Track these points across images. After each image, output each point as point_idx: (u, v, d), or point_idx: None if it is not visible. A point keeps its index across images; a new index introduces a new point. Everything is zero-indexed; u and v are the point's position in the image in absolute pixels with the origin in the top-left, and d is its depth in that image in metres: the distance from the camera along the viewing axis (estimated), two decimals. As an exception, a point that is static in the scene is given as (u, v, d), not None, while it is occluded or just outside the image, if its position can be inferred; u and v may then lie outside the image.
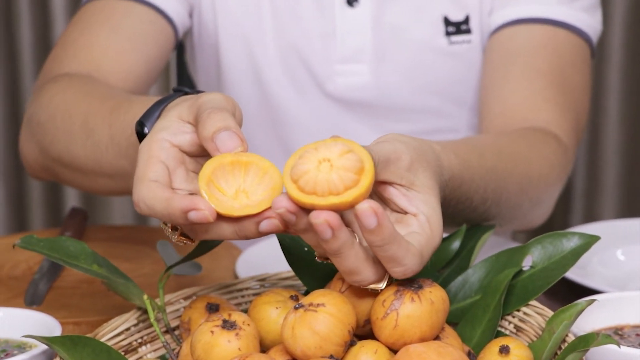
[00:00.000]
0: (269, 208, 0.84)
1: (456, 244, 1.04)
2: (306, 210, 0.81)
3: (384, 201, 0.92)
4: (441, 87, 1.51)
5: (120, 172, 1.23)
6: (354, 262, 0.84)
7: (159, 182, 0.89)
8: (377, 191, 0.91)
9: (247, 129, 1.43)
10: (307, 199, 0.81)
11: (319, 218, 0.80)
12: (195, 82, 1.67)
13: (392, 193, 0.90)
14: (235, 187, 0.86)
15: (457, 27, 1.46)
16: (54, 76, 1.39)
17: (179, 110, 0.94)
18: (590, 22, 1.45)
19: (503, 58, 1.43)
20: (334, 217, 0.80)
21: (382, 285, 0.87)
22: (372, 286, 0.87)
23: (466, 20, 1.46)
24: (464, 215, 1.17)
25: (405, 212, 0.90)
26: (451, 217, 1.16)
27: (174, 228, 0.93)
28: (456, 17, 1.46)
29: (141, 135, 1.04)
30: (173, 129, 0.93)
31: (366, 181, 0.81)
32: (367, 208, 0.80)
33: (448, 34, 1.45)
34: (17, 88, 2.39)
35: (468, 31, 1.46)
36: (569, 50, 1.43)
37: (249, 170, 0.87)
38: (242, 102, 1.46)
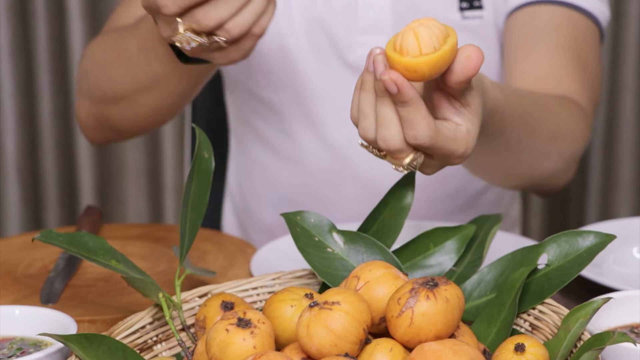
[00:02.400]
0: None
1: (468, 231, 1.03)
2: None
3: (435, 107, 1.00)
4: None
5: (154, 78, 1.34)
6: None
7: None
8: (432, 97, 1.00)
9: (272, 93, 1.48)
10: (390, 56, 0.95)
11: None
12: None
13: (445, 104, 1.00)
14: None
15: (470, 3, 1.49)
16: (88, 46, 1.54)
17: None
18: (601, 8, 1.52)
19: (526, 36, 1.48)
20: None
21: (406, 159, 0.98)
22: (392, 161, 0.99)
23: None
24: (496, 157, 1.30)
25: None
26: (484, 161, 1.31)
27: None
28: None
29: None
30: None
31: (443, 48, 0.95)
32: (391, 74, 0.94)
33: (462, 9, 1.48)
34: (32, 87, 2.39)
35: (480, 7, 1.50)
36: (584, 31, 1.50)
37: None
38: (267, 68, 1.52)
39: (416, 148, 0.99)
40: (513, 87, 1.41)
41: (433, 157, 1.02)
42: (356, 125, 1.02)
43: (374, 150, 1.02)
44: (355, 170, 1.54)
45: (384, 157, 1.01)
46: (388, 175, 1.23)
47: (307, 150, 1.56)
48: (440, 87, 0.99)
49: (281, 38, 1.51)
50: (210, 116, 1.79)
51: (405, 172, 1.03)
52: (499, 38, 1.54)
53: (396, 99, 0.97)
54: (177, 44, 1.09)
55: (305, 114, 1.55)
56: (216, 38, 1.07)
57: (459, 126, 0.99)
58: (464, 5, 1.47)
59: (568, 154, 1.42)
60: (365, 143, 1.02)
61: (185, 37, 1.07)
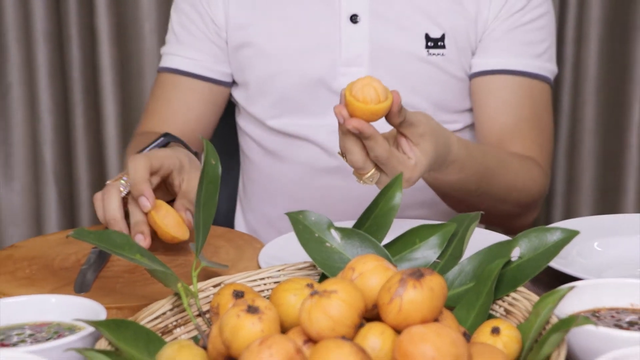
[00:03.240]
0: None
1: (450, 228, 1.03)
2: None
3: (397, 144, 1.20)
4: (421, 88, 1.56)
5: None
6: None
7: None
8: (396, 139, 1.20)
9: (272, 119, 1.60)
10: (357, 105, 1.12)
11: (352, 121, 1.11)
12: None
13: (403, 143, 1.19)
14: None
15: (435, 43, 1.51)
16: (136, 133, 1.62)
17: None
18: (552, 68, 1.58)
19: (497, 105, 1.54)
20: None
21: (367, 175, 1.18)
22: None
23: (442, 38, 1.51)
24: (459, 195, 1.40)
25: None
26: (449, 195, 1.40)
27: None
28: (435, 35, 1.51)
29: None
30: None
31: (388, 99, 1.14)
32: (353, 122, 1.11)
33: (427, 47, 1.50)
34: (67, 103, 2.39)
35: (443, 46, 1.51)
36: (541, 95, 1.56)
37: None
38: (267, 98, 1.58)
39: (376, 166, 1.18)
40: (482, 145, 1.49)
41: (387, 175, 1.18)
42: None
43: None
44: (331, 156, 1.56)
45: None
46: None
47: (301, 156, 1.56)
48: (401, 133, 1.19)
49: (278, 74, 1.53)
50: (227, 132, 1.80)
51: (365, 184, 1.22)
52: (463, 73, 1.55)
53: (360, 136, 1.14)
54: None
55: (300, 130, 1.56)
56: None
57: (409, 158, 1.19)
58: (430, 44, 1.49)
59: (523, 203, 1.51)
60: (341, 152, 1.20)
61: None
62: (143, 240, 1.24)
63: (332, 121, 1.41)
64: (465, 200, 1.40)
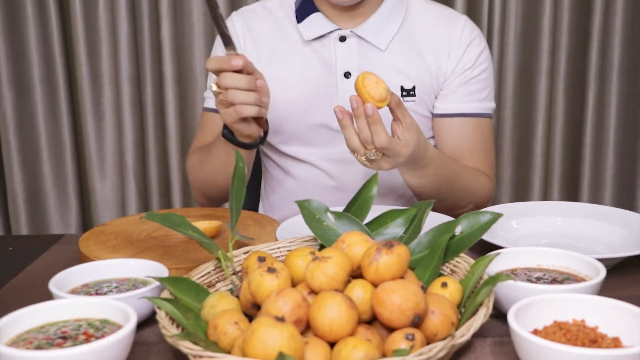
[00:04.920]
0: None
1: (412, 212, 1.02)
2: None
3: (392, 130, 1.19)
4: None
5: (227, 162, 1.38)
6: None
7: None
8: (392, 125, 1.19)
9: (284, 145, 1.54)
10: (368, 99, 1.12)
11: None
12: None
13: (396, 127, 1.18)
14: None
15: (407, 92, 1.47)
16: (191, 152, 1.56)
17: None
18: (492, 106, 1.54)
19: (454, 140, 1.50)
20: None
21: (371, 152, 1.16)
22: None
23: (413, 89, 1.47)
24: (430, 193, 1.37)
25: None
26: (428, 185, 1.35)
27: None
28: (407, 86, 1.46)
29: (227, 137, 1.31)
30: None
31: (388, 97, 1.13)
32: (368, 104, 1.11)
33: (402, 95, 1.46)
34: (142, 122, 2.38)
35: (414, 95, 1.47)
36: (486, 128, 1.53)
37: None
38: (280, 133, 1.52)
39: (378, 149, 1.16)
40: (447, 156, 1.45)
41: (388, 156, 1.18)
42: (352, 150, 1.18)
43: (358, 156, 1.18)
44: (332, 180, 1.53)
45: (360, 157, 1.18)
46: (356, 182, 1.41)
47: (306, 175, 1.54)
48: (396, 120, 1.18)
49: (289, 117, 1.48)
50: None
51: (369, 163, 1.19)
52: (428, 112, 1.51)
53: (369, 121, 1.13)
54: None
55: (306, 156, 1.52)
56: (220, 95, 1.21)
57: (400, 140, 1.18)
58: (404, 93, 1.46)
59: (477, 203, 1.47)
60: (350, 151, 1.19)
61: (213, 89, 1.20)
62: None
63: (331, 151, 1.50)
64: (437, 197, 1.38)
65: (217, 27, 1.22)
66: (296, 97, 1.46)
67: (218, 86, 1.20)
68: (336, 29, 1.46)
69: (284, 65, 1.48)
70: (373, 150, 1.17)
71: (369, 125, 1.14)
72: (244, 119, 1.23)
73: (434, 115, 1.51)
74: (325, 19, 1.46)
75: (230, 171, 1.38)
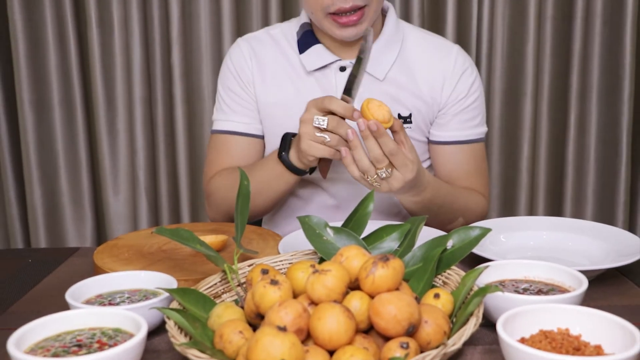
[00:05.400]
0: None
1: (406, 227, 1.02)
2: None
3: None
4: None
5: (269, 186, 1.39)
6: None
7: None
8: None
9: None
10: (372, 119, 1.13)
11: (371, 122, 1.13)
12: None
13: (403, 149, 1.18)
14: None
15: (405, 120, 1.46)
16: (209, 178, 1.52)
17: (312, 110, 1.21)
18: (485, 130, 1.53)
19: (451, 164, 1.50)
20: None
21: (381, 170, 1.17)
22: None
23: (409, 116, 1.46)
24: (431, 207, 1.35)
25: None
26: (425, 207, 1.35)
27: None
28: (404, 114, 1.45)
29: (283, 159, 1.32)
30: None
31: (391, 120, 1.15)
32: (371, 121, 1.13)
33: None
34: (153, 141, 2.38)
35: (410, 122, 1.46)
36: (479, 152, 1.52)
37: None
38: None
39: (390, 162, 1.17)
40: (444, 181, 1.45)
41: (397, 170, 1.18)
42: (363, 171, 1.18)
43: (369, 177, 1.18)
44: (334, 199, 1.52)
45: (369, 181, 1.19)
46: (356, 201, 1.39)
47: (312, 196, 1.53)
48: (398, 141, 1.18)
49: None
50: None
51: (379, 184, 1.18)
52: (424, 137, 1.50)
53: (376, 135, 1.13)
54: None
55: (310, 178, 1.51)
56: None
57: (408, 157, 1.18)
58: (402, 121, 1.44)
59: (471, 220, 1.46)
60: (357, 176, 1.19)
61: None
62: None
63: (333, 176, 1.47)
64: (432, 216, 1.37)
65: (357, 69, 1.22)
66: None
67: (321, 124, 1.20)
68: (337, 60, 1.45)
69: (288, 92, 1.47)
70: (383, 168, 1.16)
71: (376, 139, 1.13)
72: None
73: (431, 142, 1.50)
74: (326, 50, 1.45)
75: (272, 192, 1.40)
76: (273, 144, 1.50)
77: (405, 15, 2.29)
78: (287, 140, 1.33)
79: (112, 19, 2.28)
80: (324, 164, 1.30)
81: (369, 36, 1.24)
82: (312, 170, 1.34)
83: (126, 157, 2.37)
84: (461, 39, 2.32)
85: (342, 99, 1.21)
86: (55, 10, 2.28)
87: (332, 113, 1.20)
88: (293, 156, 1.31)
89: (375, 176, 1.18)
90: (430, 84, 1.46)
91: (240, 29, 2.31)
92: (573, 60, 2.33)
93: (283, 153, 1.32)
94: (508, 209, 2.44)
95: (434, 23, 2.32)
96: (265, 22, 2.29)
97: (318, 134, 1.20)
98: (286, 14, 2.29)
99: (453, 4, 2.27)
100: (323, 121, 1.19)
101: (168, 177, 2.40)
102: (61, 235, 2.42)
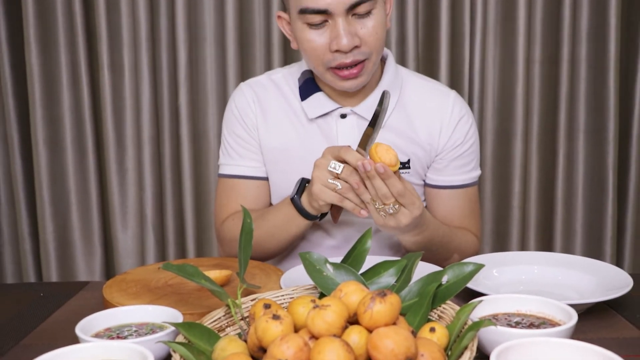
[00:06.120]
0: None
1: (403, 263, 1.01)
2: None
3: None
4: None
5: (282, 230, 1.39)
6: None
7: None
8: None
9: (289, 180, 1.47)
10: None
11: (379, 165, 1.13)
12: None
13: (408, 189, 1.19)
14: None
15: (403, 165, 1.46)
16: (222, 221, 1.50)
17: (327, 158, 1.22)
18: (478, 174, 1.53)
19: (446, 208, 1.49)
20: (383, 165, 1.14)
21: (389, 205, 1.18)
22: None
23: (408, 162, 1.46)
24: (430, 247, 1.35)
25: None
26: (425, 248, 1.34)
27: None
28: (403, 160, 1.45)
29: (296, 203, 1.32)
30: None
31: (398, 163, 1.15)
32: (378, 165, 1.14)
33: (399, 168, 1.44)
34: (160, 179, 2.39)
35: (408, 167, 1.46)
36: (473, 194, 1.52)
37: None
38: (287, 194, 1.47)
39: (396, 200, 1.17)
40: (440, 221, 1.45)
41: (405, 207, 1.18)
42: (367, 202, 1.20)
43: (378, 205, 1.19)
44: (333, 238, 1.52)
45: (378, 207, 1.19)
46: (354, 241, 1.32)
47: (311, 237, 1.52)
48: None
49: (293, 184, 1.44)
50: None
51: (386, 214, 1.19)
52: (421, 181, 1.51)
53: (384, 177, 1.14)
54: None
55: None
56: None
57: (414, 192, 1.20)
58: (400, 166, 1.43)
59: (463, 258, 1.44)
60: (365, 214, 1.21)
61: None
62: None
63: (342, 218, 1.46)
64: (429, 253, 1.36)
65: (373, 124, 1.23)
66: (302, 167, 1.44)
67: (337, 169, 1.21)
68: (337, 108, 1.44)
69: (291, 137, 1.46)
70: (391, 204, 1.16)
71: (384, 181, 1.14)
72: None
73: (427, 185, 1.50)
74: (327, 99, 1.44)
75: (284, 235, 1.39)
76: (276, 186, 1.50)
77: (402, 59, 2.31)
78: (302, 184, 1.33)
79: (122, 63, 2.30)
80: (336, 210, 1.30)
81: (386, 98, 1.24)
82: (322, 216, 1.33)
83: (134, 194, 2.37)
84: (454, 82, 2.34)
85: (357, 151, 1.20)
86: (70, 55, 2.31)
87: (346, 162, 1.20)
88: (304, 200, 1.31)
89: (383, 212, 1.18)
90: (428, 130, 1.46)
91: (244, 73, 2.33)
92: (560, 102, 2.35)
93: (295, 196, 1.32)
94: (501, 244, 2.44)
95: (428, 66, 2.34)
96: (268, 66, 2.31)
97: (330, 180, 1.21)
98: (287, 59, 2.31)
99: (446, 49, 2.30)
100: (339, 167, 1.19)
101: (174, 214, 2.40)
102: (72, 270, 2.42)
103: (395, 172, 1.16)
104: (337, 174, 1.19)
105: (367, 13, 1.30)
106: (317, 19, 1.29)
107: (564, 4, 2.29)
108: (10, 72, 2.31)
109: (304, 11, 1.29)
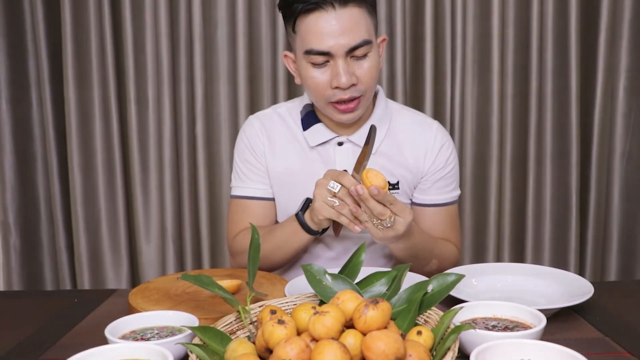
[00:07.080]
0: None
1: (393, 273, 1.01)
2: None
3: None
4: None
5: (286, 244, 1.38)
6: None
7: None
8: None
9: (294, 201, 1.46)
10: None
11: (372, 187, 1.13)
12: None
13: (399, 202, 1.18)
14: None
15: (393, 186, 1.46)
16: (233, 236, 1.50)
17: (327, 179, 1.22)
18: (458, 193, 1.52)
19: (429, 224, 1.48)
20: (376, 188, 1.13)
21: (386, 218, 1.17)
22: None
23: (397, 183, 1.46)
24: (417, 253, 1.34)
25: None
26: (413, 253, 1.34)
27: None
28: (392, 181, 1.46)
29: (300, 218, 1.32)
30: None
31: (387, 186, 1.15)
32: (372, 187, 1.13)
33: (389, 189, 1.44)
34: (179, 197, 2.39)
35: (397, 188, 1.46)
36: (453, 211, 1.51)
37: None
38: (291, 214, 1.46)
39: (392, 211, 1.16)
40: (426, 231, 1.44)
41: (399, 216, 1.17)
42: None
43: (375, 220, 1.18)
44: (332, 251, 1.51)
45: (376, 222, 1.18)
46: (351, 253, 1.29)
47: (312, 249, 1.52)
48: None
49: (297, 205, 1.43)
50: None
51: (384, 228, 1.18)
52: (409, 200, 1.50)
53: (377, 198, 1.13)
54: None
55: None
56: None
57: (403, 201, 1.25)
58: (390, 187, 1.44)
59: (443, 268, 1.43)
60: (358, 230, 1.20)
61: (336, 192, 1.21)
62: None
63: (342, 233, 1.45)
64: (414, 262, 1.36)
65: (362, 157, 1.23)
66: (305, 189, 1.43)
67: (334, 188, 1.21)
68: (335, 137, 1.45)
69: (294, 163, 1.47)
70: (387, 219, 1.16)
71: (377, 201, 1.14)
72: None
73: (414, 203, 1.50)
74: (326, 128, 1.45)
75: (289, 248, 1.39)
76: (281, 206, 1.50)
77: (391, 93, 2.33)
78: (306, 203, 1.33)
79: (147, 97, 2.32)
80: (337, 225, 1.30)
81: (374, 132, 1.25)
82: (323, 231, 1.34)
83: (157, 211, 2.37)
84: (438, 114, 2.35)
85: (352, 176, 1.21)
86: (102, 90, 2.32)
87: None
88: (307, 216, 1.32)
89: (381, 226, 1.18)
90: (415, 155, 1.47)
91: (253, 106, 2.35)
92: (530, 131, 2.36)
93: (300, 212, 1.32)
94: (479, 256, 2.43)
95: (414, 99, 2.36)
96: (274, 100, 2.32)
97: (329, 198, 1.21)
98: (291, 93, 2.33)
99: (430, 84, 2.31)
100: (337, 186, 1.20)
101: (192, 229, 2.40)
102: (102, 278, 2.41)
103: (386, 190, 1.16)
104: (334, 192, 1.20)
105: (364, 55, 1.32)
106: (320, 59, 1.31)
107: (531, 46, 2.31)
108: (51, 106, 2.33)
109: (309, 52, 1.31)
